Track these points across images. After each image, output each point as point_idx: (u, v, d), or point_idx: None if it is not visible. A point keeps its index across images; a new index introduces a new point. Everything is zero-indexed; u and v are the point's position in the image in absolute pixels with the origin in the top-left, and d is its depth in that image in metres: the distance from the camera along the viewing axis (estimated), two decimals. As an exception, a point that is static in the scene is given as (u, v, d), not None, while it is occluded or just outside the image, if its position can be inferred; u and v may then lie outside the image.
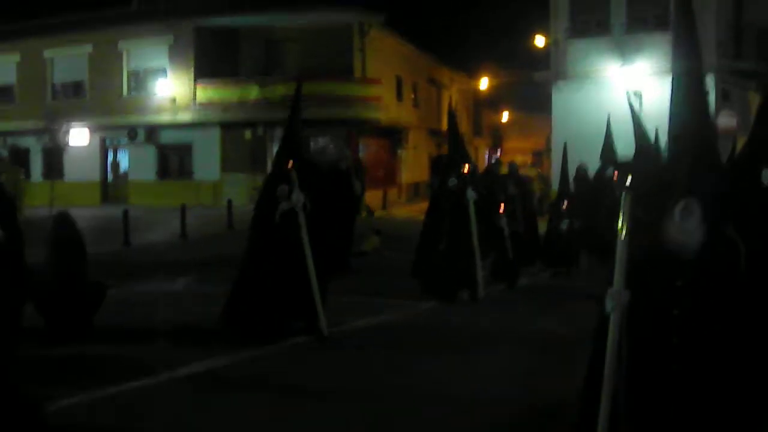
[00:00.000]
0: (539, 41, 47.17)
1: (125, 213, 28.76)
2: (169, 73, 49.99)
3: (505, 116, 77.60)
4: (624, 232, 5.54)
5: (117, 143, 53.14)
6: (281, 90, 41.63)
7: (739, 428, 5.42)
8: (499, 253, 18.02)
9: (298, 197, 12.54)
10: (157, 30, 49.78)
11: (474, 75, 66.87)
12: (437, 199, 17.43)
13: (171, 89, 49.51)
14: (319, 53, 47.03)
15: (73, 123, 49.06)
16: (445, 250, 16.54)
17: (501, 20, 74.18)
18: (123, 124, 50.68)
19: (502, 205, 18.12)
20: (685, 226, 5.34)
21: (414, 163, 55.07)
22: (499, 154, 67.90)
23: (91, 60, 52.49)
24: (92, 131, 52.02)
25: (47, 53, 53.64)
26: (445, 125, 18.50)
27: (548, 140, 26.10)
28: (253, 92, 46.39)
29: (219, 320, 13.12)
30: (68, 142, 48.05)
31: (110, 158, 54.02)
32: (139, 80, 51.72)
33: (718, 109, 35.21)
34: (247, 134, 47.74)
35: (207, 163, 49.41)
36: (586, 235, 19.76)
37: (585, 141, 29.40)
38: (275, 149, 17.27)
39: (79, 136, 50.91)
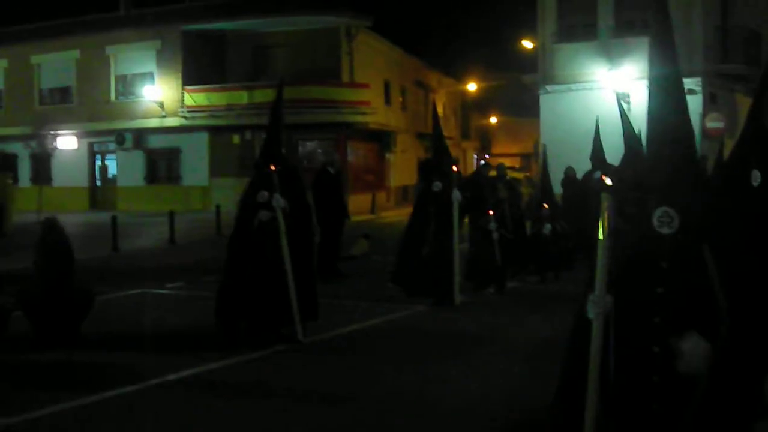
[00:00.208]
0: (527, 45, 47.22)
1: (113, 218, 28.70)
2: (157, 78, 49.94)
3: (493, 120, 77.72)
4: (604, 236, 5.52)
5: (105, 148, 53.07)
6: (269, 94, 41.63)
7: None
8: (487, 257, 17.89)
9: (278, 202, 12.48)
10: (144, 35, 49.74)
11: (462, 78, 66.99)
12: (422, 203, 17.31)
13: (159, 94, 49.44)
14: (307, 58, 47.10)
15: (60, 128, 49.10)
16: (429, 254, 16.45)
17: (489, 24, 74.57)
18: (111, 129, 50.63)
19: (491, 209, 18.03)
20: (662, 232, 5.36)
21: (402, 167, 55.07)
22: (487, 157, 67.95)
23: (79, 65, 52.43)
24: (80, 136, 52.02)
25: (34, 59, 53.57)
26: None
27: (536, 144, 26.14)
28: (241, 97, 46.38)
29: (215, 321, 13.11)
30: (56, 148, 48.03)
31: (98, 163, 53.95)
32: (127, 85, 51.65)
33: (705, 112, 35.33)
34: (236, 139, 47.73)
35: (195, 168, 49.38)
36: (577, 237, 19.72)
37: (573, 144, 29.55)
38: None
39: (67, 142, 50.90)
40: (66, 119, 50.97)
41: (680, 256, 5.41)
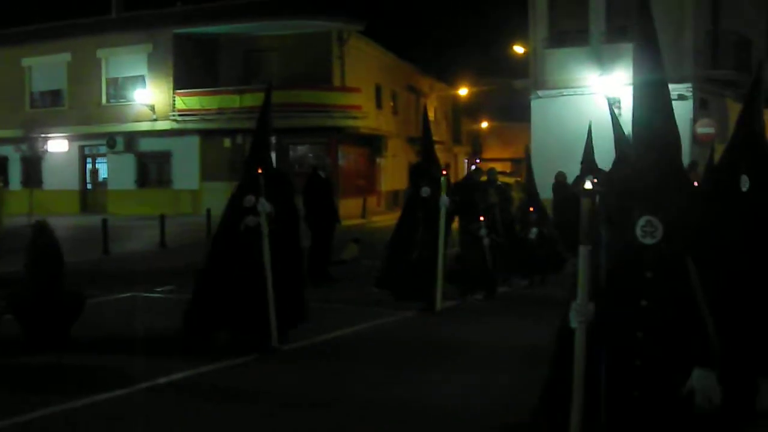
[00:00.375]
0: (518, 50, 47.25)
1: (104, 222, 28.68)
2: (148, 82, 49.93)
3: (485, 125, 77.74)
4: (583, 241, 5.46)
5: (96, 152, 53.03)
6: (260, 98, 41.48)
7: None
8: (476, 262, 17.82)
9: (263, 206, 12.42)
10: (136, 38, 49.72)
11: (453, 83, 67.02)
12: (410, 208, 17.20)
13: (150, 97, 49.42)
14: (299, 62, 47.12)
15: (51, 131, 49.05)
16: (417, 259, 16.34)
17: (480, 29, 74.59)
18: (102, 132, 50.61)
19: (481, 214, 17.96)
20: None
21: (393, 171, 55.10)
22: (478, 161, 68.00)
23: (70, 68, 52.39)
24: (71, 140, 52.00)
25: (25, 62, 53.54)
26: (424, 133, 18.34)
27: (527, 149, 26.11)
28: (233, 101, 46.38)
29: (183, 328, 13.00)
30: (47, 151, 47.99)
31: (89, 167, 53.91)
32: (118, 88, 51.63)
33: (696, 118, 35.38)
34: (227, 142, 47.72)
35: (186, 172, 49.37)
36: (566, 242, 19.66)
37: (564, 149, 29.58)
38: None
39: (57, 145, 50.85)
40: (57, 122, 50.94)
41: (664, 266, 5.33)
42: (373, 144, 53.12)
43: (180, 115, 48.20)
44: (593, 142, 22.21)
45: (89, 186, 53.84)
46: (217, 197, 42.45)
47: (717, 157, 10.06)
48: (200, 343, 12.78)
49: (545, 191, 22.11)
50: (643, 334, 5.34)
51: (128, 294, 18.52)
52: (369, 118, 49.22)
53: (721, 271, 5.40)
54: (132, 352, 12.64)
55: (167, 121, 48.80)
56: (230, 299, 12.49)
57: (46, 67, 53.20)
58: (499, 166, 42.45)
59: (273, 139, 39.72)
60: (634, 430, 5.41)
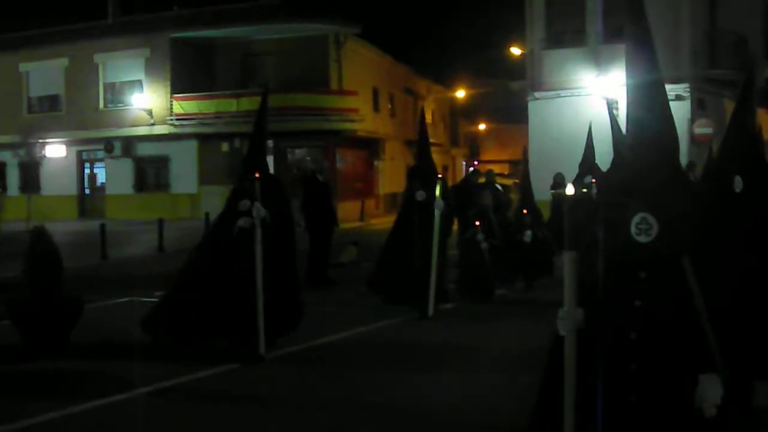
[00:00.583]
0: (515, 51, 47.23)
1: (102, 227, 28.67)
2: (146, 86, 49.92)
3: (482, 126, 77.77)
4: (569, 247, 5.38)
5: (93, 156, 53.01)
6: (258, 102, 41.60)
7: None
8: (475, 266, 17.74)
9: (258, 211, 12.36)
10: (133, 43, 49.70)
11: (451, 85, 67.07)
12: (406, 211, 16.98)
13: (147, 102, 49.42)
14: (296, 65, 47.11)
15: (49, 137, 49.01)
16: (416, 265, 15.98)
17: (477, 30, 74.68)
18: (99, 137, 50.59)
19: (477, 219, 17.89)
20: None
21: (391, 174, 55.12)
22: (476, 163, 68.04)
23: (68, 73, 52.36)
24: (69, 145, 51.98)
25: (23, 67, 53.49)
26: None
27: (525, 151, 26.07)
28: (230, 105, 46.38)
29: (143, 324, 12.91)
30: (45, 156, 47.95)
31: (87, 172, 53.89)
32: (116, 93, 51.60)
33: (693, 118, 35.39)
34: (224, 146, 47.73)
35: (184, 176, 49.37)
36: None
37: (561, 150, 29.58)
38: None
39: (55, 150, 50.83)
40: (54, 127, 50.88)
41: (659, 265, 5.25)
42: (370, 147, 53.16)
43: (177, 120, 48.21)
44: (582, 140, 22.21)
45: (87, 191, 53.83)
46: (216, 201, 42.42)
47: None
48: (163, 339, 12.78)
49: (543, 193, 22.09)
50: (637, 335, 5.26)
51: (127, 299, 18.51)
52: (366, 121, 49.26)
53: (716, 271, 5.34)
54: (131, 357, 12.60)
55: (165, 126, 48.79)
56: (213, 304, 12.37)
57: (43, 73, 53.17)
58: (497, 168, 42.51)
59: (270, 143, 39.72)
60: None
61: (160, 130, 49.02)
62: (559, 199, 23.28)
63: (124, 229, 39.33)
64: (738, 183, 8.69)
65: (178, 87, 48.59)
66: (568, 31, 39.23)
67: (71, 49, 51.24)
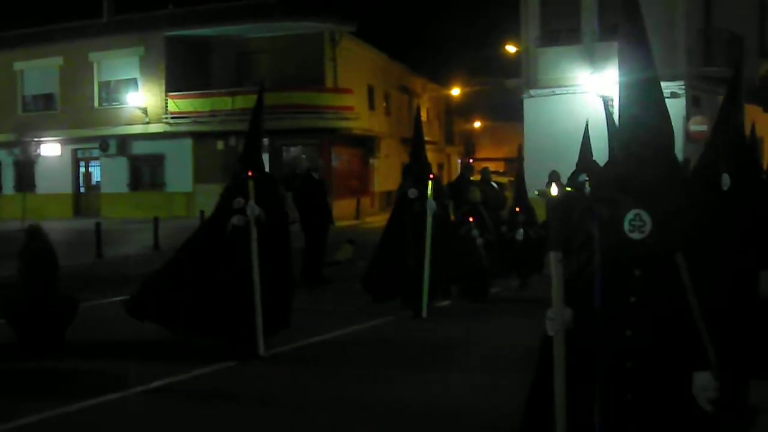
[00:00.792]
0: (510, 49, 47.24)
1: (97, 225, 28.65)
2: (141, 85, 49.93)
3: (477, 124, 77.78)
4: (553, 248, 5.30)
5: (88, 155, 53.00)
6: (253, 100, 41.42)
7: None
8: (470, 266, 17.65)
9: (252, 210, 12.28)
10: (127, 41, 49.71)
11: (446, 83, 67.07)
12: (399, 210, 16.87)
13: (142, 100, 49.43)
14: (291, 63, 47.12)
15: (44, 135, 48.97)
16: (409, 263, 15.92)
17: (472, 28, 74.66)
18: (94, 135, 50.60)
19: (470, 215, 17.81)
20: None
21: (386, 172, 55.13)
22: (471, 161, 68.01)
23: (62, 72, 52.35)
24: (63, 143, 51.97)
25: (17, 65, 53.48)
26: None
27: (520, 149, 26.06)
28: (225, 103, 46.37)
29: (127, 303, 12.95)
30: (39, 155, 47.90)
31: (82, 170, 53.88)
32: (111, 92, 51.61)
33: (689, 116, 35.40)
34: (220, 145, 47.72)
35: (179, 174, 49.37)
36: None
37: (557, 148, 29.55)
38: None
39: (50, 149, 50.80)
40: (49, 126, 50.88)
41: (653, 263, 5.18)
42: (366, 145, 53.18)
43: (172, 118, 48.24)
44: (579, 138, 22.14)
45: (82, 190, 53.83)
46: (211, 199, 42.44)
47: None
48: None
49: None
50: (633, 332, 5.20)
51: (122, 297, 18.46)
52: (361, 119, 49.29)
53: (710, 269, 5.29)
54: (126, 356, 12.59)
55: (160, 124, 48.82)
56: (203, 299, 12.32)
57: (38, 71, 53.17)
58: (492, 166, 42.52)
59: (265, 141, 39.71)
60: None
61: (155, 128, 49.04)
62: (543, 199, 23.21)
63: (120, 227, 39.28)
64: (725, 181, 8.70)
65: (173, 85, 48.60)
66: (563, 28, 39.22)
67: (66, 47, 51.23)
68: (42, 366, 12.10)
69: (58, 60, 52.23)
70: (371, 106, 54.07)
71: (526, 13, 39.79)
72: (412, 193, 16.17)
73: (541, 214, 19.96)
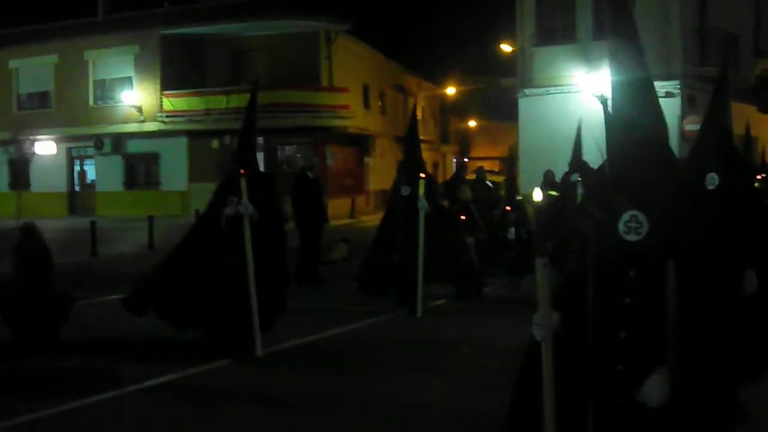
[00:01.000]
0: (506, 48, 47.23)
1: (92, 224, 28.65)
2: (136, 83, 49.90)
3: (472, 123, 77.75)
4: (539, 254, 5.19)
5: (83, 153, 52.95)
6: (248, 99, 41.56)
7: None
8: (463, 264, 17.61)
9: (246, 208, 12.21)
10: (123, 40, 49.65)
11: (441, 82, 67.05)
12: (393, 208, 16.96)
13: (137, 99, 49.40)
14: (286, 62, 47.08)
15: (39, 133, 48.93)
16: (399, 261, 16.10)
17: (468, 27, 74.66)
18: (89, 134, 50.52)
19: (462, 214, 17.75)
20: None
21: (381, 171, 55.05)
22: (466, 160, 68.01)
23: (57, 70, 52.30)
24: (58, 141, 51.90)
25: (12, 63, 53.42)
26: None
27: (510, 150, 26.01)
28: (220, 101, 46.34)
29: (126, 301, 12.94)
30: (34, 153, 47.85)
31: (77, 169, 53.83)
32: (106, 90, 51.57)
33: (684, 115, 35.40)
34: (215, 143, 47.69)
35: (174, 173, 49.34)
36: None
37: (552, 147, 29.54)
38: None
39: (45, 147, 50.74)
40: (44, 124, 50.84)
41: (649, 265, 5.07)
42: (361, 144, 53.19)
43: (168, 117, 48.22)
44: (582, 140, 22.14)
45: (77, 188, 53.77)
46: (206, 198, 42.31)
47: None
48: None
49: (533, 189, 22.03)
50: (626, 334, 5.10)
51: (117, 296, 18.44)
52: (357, 118, 49.28)
53: (700, 269, 5.23)
54: (121, 355, 12.60)
55: (155, 123, 48.79)
56: (199, 294, 12.33)
57: (33, 69, 53.10)
58: (487, 165, 42.48)
59: (260, 140, 39.66)
60: None
61: (150, 127, 49.01)
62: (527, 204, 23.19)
63: (114, 226, 39.25)
64: (712, 180, 8.70)
65: (168, 84, 48.56)
66: (559, 28, 39.23)
67: (61, 45, 51.16)
68: (36, 364, 12.09)
69: (54, 58, 52.18)
70: (366, 104, 54.07)
71: (521, 12, 39.80)
72: (405, 190, 16.17)
73: (532, 213, 19.97)
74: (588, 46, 37.17)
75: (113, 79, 51.23)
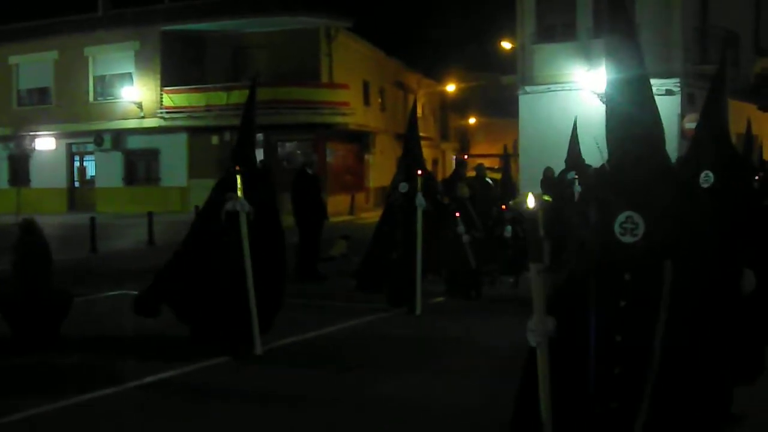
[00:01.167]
0: (506, 46, 47.22)
1: (92, 220, 28.65)
2: (136, 79, 49.85)
3: (472, 120, 77.68)
4: (534, 259, 5.15)
5: (83, 149, 52.92)
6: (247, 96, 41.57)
7: None
8: (457, 263, 17.53)
9: (243, 206, 12.10)
10: (123, 36, 49.61)
11: (441, 79, 66.98)
12: (391, 206, 16.91)
13: (137, 95, 49.35)
14: (286, 59, 47.04)
15: (39, 129, 48.92)
16: (398, 259, 16.07)
17: (468, 25, 74.46)
18: (89, 130, 50.47)
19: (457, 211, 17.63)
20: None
21: (381, 168, 54.99)
22: (465, 157, 67.90)
23: (57, 66, 52.25)
24: (58, 137, 51.88)
25: (12, 59, 53.38)
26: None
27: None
28: (220, 98, 46.30)
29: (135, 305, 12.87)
30: (34, 149, 47.84)
31: (77, 165, 53.81)
32: (106, 86, 51.52)
33: (684, 113, 35.40)
34: (215, 140, 47.64)
35: (174, 169, 49.30)
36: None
37: (552, 145, 29.51)
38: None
39: (45, 143, 50.73)
40: (44, 120, 50.80)
41: (644, 267, 4.99)
42: (361, 140, 53.15)
43: (168, 113, 48.18)
44: (580, 137, 22.11)
45: (77, 184, 53.75)
46: (206, 195, 42.42)
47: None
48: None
49: (533, 186, 22.02)
50: (622, 337, 5.02)
51: (116, 292, 18.48)
52: (357, 115, 49.26)
53: (698, 270, 5.14)
54: (121, 351, 12.61)
55: (155, 119, 48.76)
56: (204, 295, 12.31)
57: (33, 65, 53.05)
58: (487, 162, 42.43)
59: (261, 136, 39.66)
60: None
61: (150, 123, 48.97)
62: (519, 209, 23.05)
63: (114, 222, 39.27)
64: (708, 178, 8.68)
65: (168, 80, 48.53)
66: (559, 25, 39.24)
67: (61, 41, 51.13)
68: (35, 361, 12.08)
69: (54, 54, 52.16)
70: (366, 101, 54.02)
71: (521, 10, 39.78)
72: (403, 187, 16.14)
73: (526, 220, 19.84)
74: (588, 43, 37.15)
75: (113, 75, 51.18)
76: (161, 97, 48.42)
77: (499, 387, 10.53)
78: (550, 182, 23.98)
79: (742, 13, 40.17)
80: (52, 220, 33.36)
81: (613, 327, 5.05)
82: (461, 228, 17.25)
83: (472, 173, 22.92)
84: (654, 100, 5.17)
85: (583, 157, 21.48)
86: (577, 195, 18.41)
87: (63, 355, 12.44)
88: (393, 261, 16.12)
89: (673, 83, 34.77)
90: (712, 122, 9.18)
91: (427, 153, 19.65)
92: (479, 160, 34.45)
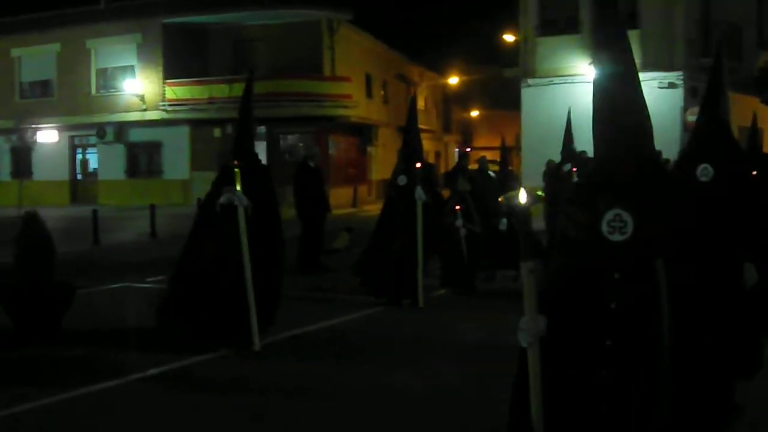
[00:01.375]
0: (509, 38, 47.17)
1: (94, 212, 28.65)
2: (138, 72, 49.87)
3: (475, 113, 77.70)
4: (524, 257, 4.97)
5: (86, 142, 52.99)
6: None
7: None
8: (452, 256, 17.49)
9: (240, 200, 12.03)
10: (125, 28, 49.62)
11: (444, 72, 66.93)
12: (391, 198, 16.84)
13: (140, 88, 49.37)
14: (288, 51, 47.04)
15: (41, 122, 48.93)
16: (397, 251, 15.93)
17: (471, 17, 74.51)
18: (91, 122, 50.52)
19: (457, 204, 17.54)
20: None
21: (384, 160, 54.94)
22: (468, 150, 67.85)
23: (60, 59, 52.27)
24: (61, 130, 51.91)
25: (15, 52, 53.41)
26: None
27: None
28: (222, 90, 46.29)
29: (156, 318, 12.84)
30: (36, 141, 47.86)
31: (79, 157, 53.85)
32: (108, 79, 51.55)
33: (686, 106, 35.39)
34: (217, 132, 47.62)
35: (176, 162, 49.34)
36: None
37: (554, 137, 29.50)
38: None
39: (47, 135, 50.73)
40: (46, 113, 50.85)
41: (634, 266, 4.86)
42: (363, 133, 53.13)
43: (170, 105, 48.21)
44: (578, 129, 22.09)
45: (79, 177, 53.78)
46: (207, 187, 42.34)
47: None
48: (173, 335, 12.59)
49: (536, 179, 22.03)
50: (613, 341, 4.88)
51: (119, 285, 18.49)
52: (359, 108, 49.26)
53: (694, 265, 5.06)
54: (123, 343, 12.60)
55: (157, 111, 48.80)
56: (209, 296, 12.27)
57: (35, 58, 53.08)
58: (489, 155, 42.40)
59: (263, 129, 39.60)
60: None
61: (153, 115, 49.01)
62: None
63: (116, 214, 39.29)
64: (706, 171, 8.66)
65: (170, 72, 48.55)
66: (561, 18, 39.25)
67: (63, 34, 51.16)
68: (38, 353, 12.08)
69: (56, 47, 52.18)
70: (369, 94, 54.02)
71: (524, 2, 39.81)
72: (402, 180, 16.08)
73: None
74: (591, 36, 37.10)
75: (115, 68, 51.22)
76: (163, 90, 48.44)
77: (500, 381, 10.55)
78: (552, 174, 24.02)
79: (746, 6, 40.13)
80: (54, 213, 33.31)
81: (603, 330, 4.93)
82: (459, 221, 17.19)
83: (474, 166, 22.90)
84: (642, 94, 5.06)
85: (584, 150, 21.49)
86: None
87: (65, 347, 12.44)
88: (393, 253, 16.06)
89: (675, 76, 34.78)
90: (711, 115, 9.17)
91: (429, 146, 19.58)
92: (482, 153, 34.45)
